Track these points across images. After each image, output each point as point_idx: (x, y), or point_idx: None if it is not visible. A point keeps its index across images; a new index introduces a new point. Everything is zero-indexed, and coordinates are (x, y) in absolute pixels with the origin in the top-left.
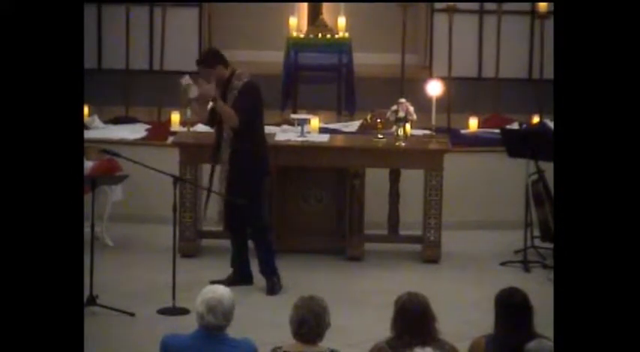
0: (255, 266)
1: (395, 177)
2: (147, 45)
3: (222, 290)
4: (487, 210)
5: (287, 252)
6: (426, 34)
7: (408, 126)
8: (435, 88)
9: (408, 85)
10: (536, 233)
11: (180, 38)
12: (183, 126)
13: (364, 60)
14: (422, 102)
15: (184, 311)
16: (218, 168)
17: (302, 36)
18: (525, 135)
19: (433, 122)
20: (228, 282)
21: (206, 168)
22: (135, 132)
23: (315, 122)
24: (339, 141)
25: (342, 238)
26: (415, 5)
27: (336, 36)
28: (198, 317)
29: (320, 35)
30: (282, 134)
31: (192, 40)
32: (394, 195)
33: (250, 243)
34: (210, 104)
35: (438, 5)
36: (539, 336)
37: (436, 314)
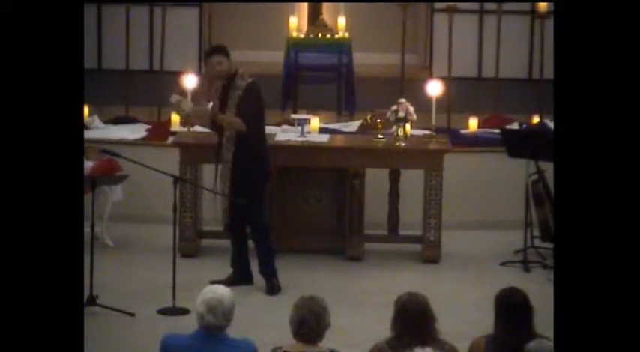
0: (255, 267)
1: (395, 177)
2: (147, 45)
3: (222, 290)
4: (487, 210)
5: (287, 252)
6: (426, 34)
7: (408, 126)
8: (435, 88)
9: (408, 84)
10: (536, 233)
11: (180, 38)
12: (184, 126)
13: (364, 60)
14: (422, 102)
15: (184, 311)
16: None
17: (302, 36)
18: (525, 135)
19: (433, 122)
20: (228, 282)
21: (206, 168)
22: (135, 132)
23: (315, 122)
24: (339, 141)
25: (342, 238)
26: (415, 5)
27: (336, 36)
28: (198, 317)
29: (320, 35)
30: (282, 134)
31: (192, 40)
32: (394, 195)
33: (250, 243)
34: (210, 111)
35: (438, 5)
36: (539, 336)
37: (436, 314)
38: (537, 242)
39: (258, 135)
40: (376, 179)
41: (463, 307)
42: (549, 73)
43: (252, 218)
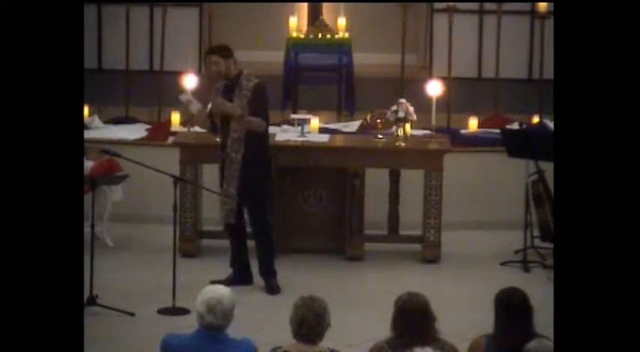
0: (255, 267)
1: (395, 178)
2: (147, 45)
3: (222, 290)
4: (487, 210)
5: (287, 252)
6: (426, 34)
7: (407, 126)
8: (434, 88)
9: (408, 84)
10: (536, 233)
11: (180, 38)
12: (184, 127)
13: (364, 60)
14: (422, 102)
15: (184, 311)
16: (217, 166)
17: (302, 36)
18: (525, 135)
19: (433, 122)
20: (228, 282)
21: (206, 168)
22: (135, 132)
23: (315, 122)
24: (339, 141)
25: (342, 238)
26: (415, 5)
27: (336, 36)
28: (199, 317)
29: (320, 35)
30: (282, 134)
31: (193, 40)
32: (394, 195)
33: (250, 243)
34: (208, 110)
35: (438, 5)
36: (539, 336)
37: (436, 314)
38: (537, 242)
39: (267, 135)
40: (376, 179)
41: (463, 307)
42: (549, 73)
43: (257, 217)
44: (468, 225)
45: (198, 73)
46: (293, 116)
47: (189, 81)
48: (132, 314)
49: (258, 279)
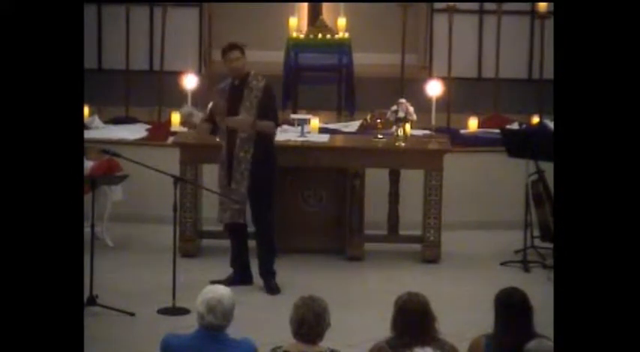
0: (255, 267)
1: (395, 178)
2: (147, 45)
3: (222, 290)
4: (487, 210)
5: (287, 252)
6: (426, 34)
7: (407, 126)
8: (434, 88)
9: (407, 84)
10: (536, 233)
11: (180, 38)
12: (184, 127)
13: (364, 60)
14: (422, 102)
15: (184, 311)
16: (217, 167)
17: (302, 36)
18: (525, 135)
19: (433, 122)
20: (228, 282)
21: (206, 168)
22: (135, 132)
23: (315, 122)
24: (339, 141)
25: (342, 238)
26: (415, 5)
27: (336, 36)
28: (199, 317)
29: (320, 35)
30: (282, 134)
31: (193, 40)
32: (394, 195)
33: (251, 243)
34: (208, 111)
35: (438, 5)
36: (539, 336)
37: (436, 314)
38: (537, 242)
39: (272, 135)
40: (376, 179)
41: (463, 307)
42: (549, 73)
43: (263, 216)
44: (468, 225)
45: (198, 73)
46: (293, 116)
47: (189, 81)
48: (132, 314)
49: (258, 279)
